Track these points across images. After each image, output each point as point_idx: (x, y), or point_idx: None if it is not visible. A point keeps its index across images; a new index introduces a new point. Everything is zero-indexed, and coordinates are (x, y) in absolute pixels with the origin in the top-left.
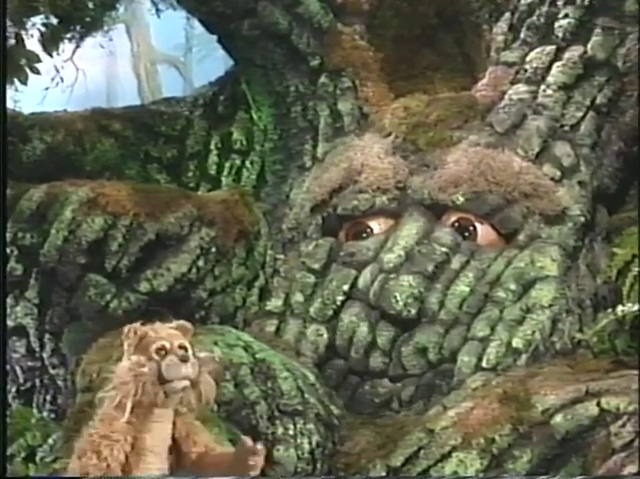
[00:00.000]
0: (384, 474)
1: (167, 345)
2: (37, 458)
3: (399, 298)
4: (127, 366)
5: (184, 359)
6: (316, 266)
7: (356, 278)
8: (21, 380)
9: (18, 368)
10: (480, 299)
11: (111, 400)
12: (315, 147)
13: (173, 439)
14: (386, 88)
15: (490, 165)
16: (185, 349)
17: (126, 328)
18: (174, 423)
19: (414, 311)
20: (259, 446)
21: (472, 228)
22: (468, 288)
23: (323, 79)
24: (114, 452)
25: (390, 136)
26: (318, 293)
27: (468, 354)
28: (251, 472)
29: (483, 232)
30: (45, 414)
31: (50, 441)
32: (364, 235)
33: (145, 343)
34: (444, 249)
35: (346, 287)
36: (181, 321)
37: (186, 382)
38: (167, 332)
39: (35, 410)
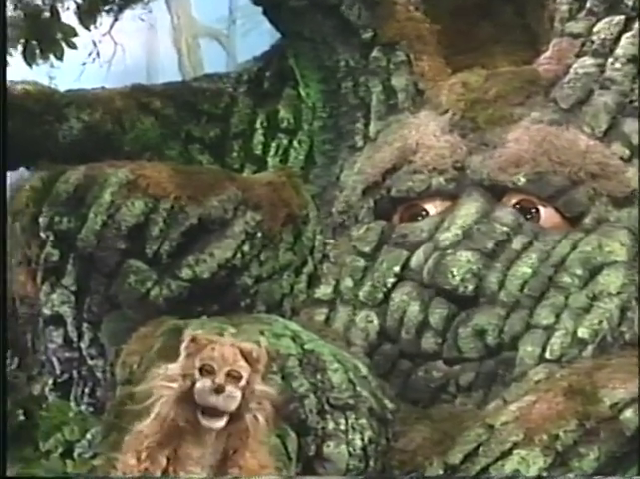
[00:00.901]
0: (441, 473)
1: (215, 367)
2: (74, 454)
3: (455, 274)
4: (163, 373)
5: (219, 390)
6: (367, 250)
7: (408, 259)
8: (58, 372)
9: (55, 359)
10: (543, 283)
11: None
12: (367, 125)
13: (225, 454)
14: (442, 62)
15: (554, 143)
16: (236, 378)
17: (187, 332)
18: (230, 436)
19: (471, 288)
20: None
21: (534, 210)
22: (530, 270)
23: (375, 53)
24: (155, 455)
25: (446, 113)
26: (368, 278)
27: (531, 344)
28: None
29: (547, 214)
30: (83, 408)
31: (88, 436)
32: (419, 217)
33: (198, 355)
34: (505, 228)
35: (397, 269)
36: (255, 348)
37: (218, 424)
38: (225, 353)
39: (72, 404)
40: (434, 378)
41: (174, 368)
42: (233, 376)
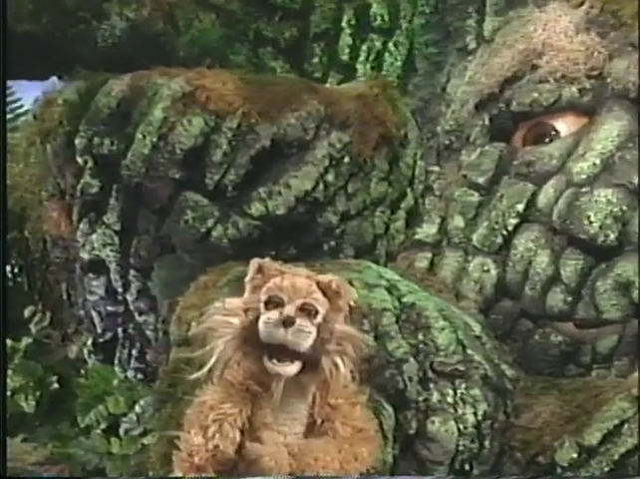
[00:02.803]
0: (574, 456)
1: (284, 299)
2: (121, 430)
3: (593, 219)
4: (221, 306)
5: (287, 322)
6: (481, 181)
7: (534, 195)
8: (99, 330)
9: (95, 314)
10: None
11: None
12: (481, 22)
13: (311, 416)
14: None
15: None
16: (310, 313)
17: (252, 261)
18: (315, 397)
19: (613, 236)
20: None
21: None
22: None
23: None
24: (224, 429)
25: (582, 5)
26: (484, 216)
27: None
28: None
29: None
30: (130, 374)
31: (137, 409)
32: (547, 139)
33: (264, 287)
34: None
35: (520, 207)
36: (336, 279)
37: (287, 369)
38: (297, 283)
39: (117, 369)
40: (563, 342)
41: (234, 301)
42: (307, 310)
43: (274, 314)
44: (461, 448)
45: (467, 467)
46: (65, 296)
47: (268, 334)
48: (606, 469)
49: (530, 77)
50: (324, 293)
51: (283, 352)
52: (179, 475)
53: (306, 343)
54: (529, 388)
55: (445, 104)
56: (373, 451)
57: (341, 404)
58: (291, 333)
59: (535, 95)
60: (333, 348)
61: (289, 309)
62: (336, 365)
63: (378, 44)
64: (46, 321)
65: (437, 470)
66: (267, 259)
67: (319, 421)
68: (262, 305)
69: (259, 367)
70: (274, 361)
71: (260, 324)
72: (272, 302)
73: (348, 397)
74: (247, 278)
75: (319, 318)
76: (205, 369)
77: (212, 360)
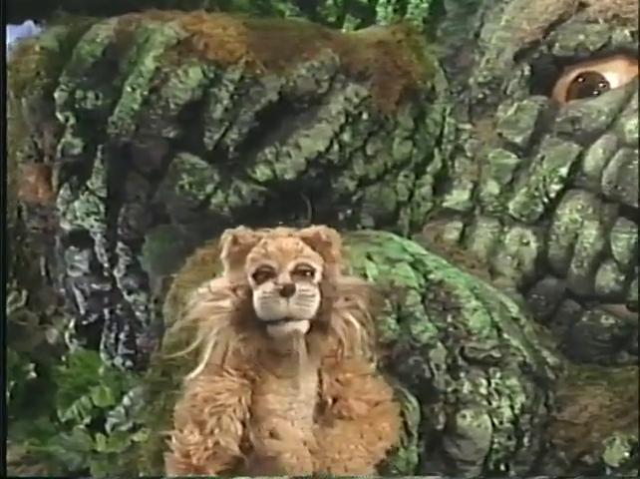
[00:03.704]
0: (626, 454)
1: (274, 266)
2: (107, 426)
3: None
4: (205, 291)
5: (286, 291)
6: (519, 140)
7: (580, 157)
8: (82, 311)
9: (78, 293)
10: None
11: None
12: None
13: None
14: None
15: None
16: (306, 274)
17: (224, 234)
18: (321, 373)
19: None
20: None
21: None
22: None
23: None
24: (223, 422)
25: None
26: (522, 181)
27: None
28: None
29: None
30: (118, 361)
31: (126, 401)
32: (594, 91)
33: (247, 258)
34: None
35: (564, 171)
36: (321, 229)
37: (296, 325)
38: (283, 245)
39: (103, 355)
40: (614, 326)
41: (219, 282)
42: (302, 272)
43: (268, 286)
44: (495, 446)
45: (502, 468)
46: (43, 273)
47: (267, 310)
48: None
49: (576, 17)
50: (313, 248)
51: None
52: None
53: (312, 309)
54: (575, 378)
55: (478, 52)
56: (394, 423)
57: (350, 379)
58: (293, 302)
59: (581, 37)
60: (341, 305)
61: (283, 276)
62: (348, 322)
63: None
64: (22, 301)
65: (468, 471)
66: (240, 228)
67: (330, 401)
68: (251, 280)
69: (265, 348)
70: (282, 323)
71: (255, 301)
72: (262, 273)
73: (357, 370)
74: (223, 255)
75: (318, 277)
76: (201, 367)
77: (206, 356)
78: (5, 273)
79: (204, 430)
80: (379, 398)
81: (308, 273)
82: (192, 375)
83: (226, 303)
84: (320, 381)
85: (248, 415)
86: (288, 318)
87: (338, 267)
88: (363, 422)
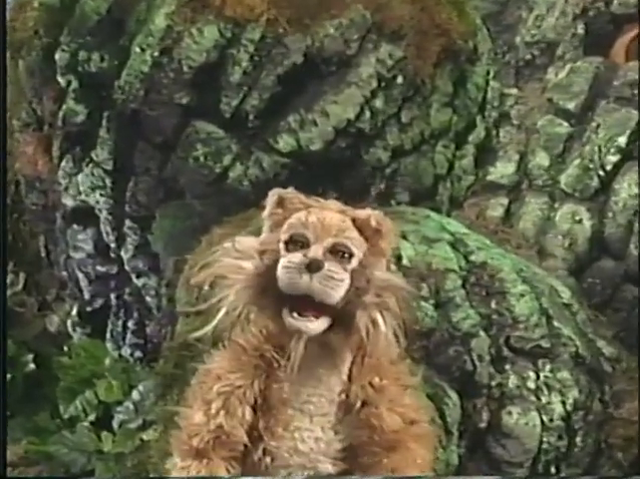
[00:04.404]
0: None
1: (309, 238)
2: (114, 423)
3: None
4: (230, 246)
5: (313, 266)
6: (571, 107)
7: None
8: (87, 296)
9: (81, 276)
10: None
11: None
12: None
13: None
14: None
15: None
16: (342, 256)
17: (272, 192)
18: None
19: None
20: None
21: None
22: None
23: None
24: (230, 404)
25: None
26: (575, 152)
27: None
28: None
29: None
30: (126, 352)
31: (135, 396)
32: None
33: (286, 223)
34: None
35: (622, 140)
36: (376, 214)
37: (307, 323)
38: (327, 218)
39: (110, 345)
40: None
41: (246, 241)
42: (338, 252)
43: (296, 257)
44: (545, 446)
45: (552, 470)
46: (43, 254)
47: (289, 282)
48: None
49: None
50: (361, 232)
51: (308, 305)
52: (178, 461)
53: (337, 294)
54: (633, 370)
55: (526, 8)
56: (430, 451)
57: (386, 386)
58: (318, 280)
59: None
60: (371, 301)
61: (315, 251)
62: (374, 322)
63: None
64: (19, 285)
65: (514, 473)
66: (290, 189)
67: (358, 404)
68: (282, 246)
69: (278, 326)
70: (294, 315)
71: (279, 269)
72: (295, 242)
73: (396, 378)
74: (265, 213)
75: (354, 263)
76: (210, 326)
77: (220, 315)
78: (2, 255)
79: (209, 410)
80: (416, 417)
81: (346, 256)
82: (199, 333)
83: (249, 264)
84: (349, 379)
85: (260, 401)
86: (308, 297)
87: (384, 262)
88: (394, 436)
